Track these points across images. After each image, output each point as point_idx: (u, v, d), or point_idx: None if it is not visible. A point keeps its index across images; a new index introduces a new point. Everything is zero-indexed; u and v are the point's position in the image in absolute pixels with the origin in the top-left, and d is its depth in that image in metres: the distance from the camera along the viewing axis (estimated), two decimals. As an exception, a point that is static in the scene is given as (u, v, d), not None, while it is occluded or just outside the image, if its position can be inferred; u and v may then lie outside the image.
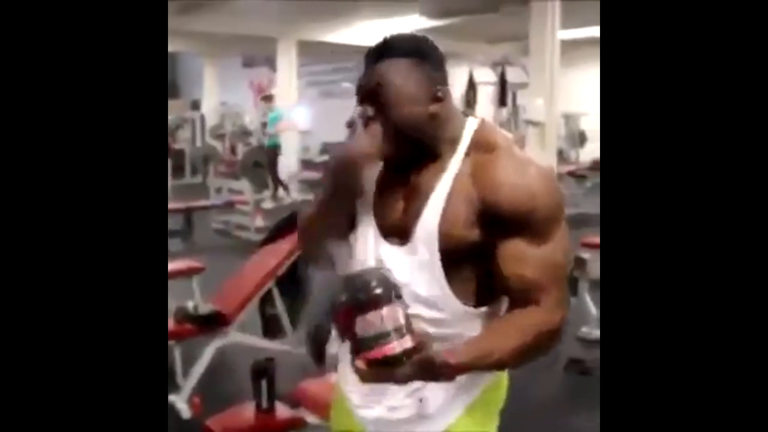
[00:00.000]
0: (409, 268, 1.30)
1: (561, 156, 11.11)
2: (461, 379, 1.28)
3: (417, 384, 1.30)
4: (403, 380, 1.17)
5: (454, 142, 1.33)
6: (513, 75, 11.39)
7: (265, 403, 2.68)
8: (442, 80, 1.33)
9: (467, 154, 1.31)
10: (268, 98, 11.41)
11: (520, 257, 1.26)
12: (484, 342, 1.25)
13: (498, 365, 1.29)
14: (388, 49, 1.30)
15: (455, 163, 1.31)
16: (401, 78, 1.28)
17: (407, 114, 1.28)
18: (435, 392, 1.33)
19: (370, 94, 1.29)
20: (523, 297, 1.27)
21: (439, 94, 1.31)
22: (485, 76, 12.45)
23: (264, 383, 2.68)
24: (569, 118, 12.48)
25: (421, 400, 1.33)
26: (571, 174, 10.26)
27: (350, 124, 1.31)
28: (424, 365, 1.16)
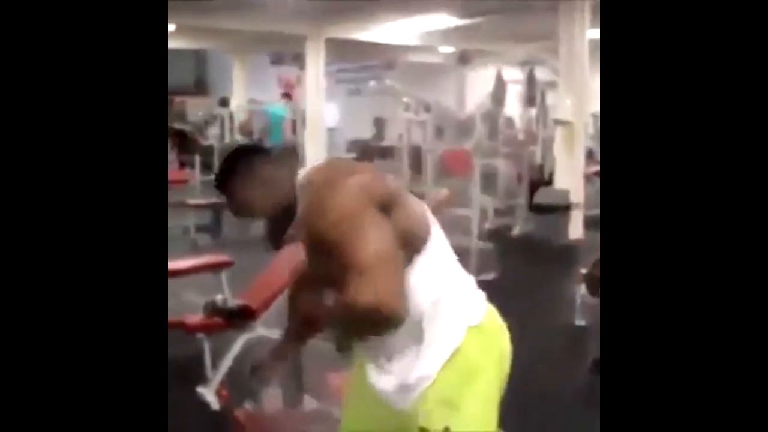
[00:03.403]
0: None
1: (590, 155, 11.03)
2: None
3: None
4: None
5: None
6: (542, 74, 11.32)
7: (292, 396, 2.72)
8: None
9: None
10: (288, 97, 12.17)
11: None
12: None
13: None
14: None
15: None
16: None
17: None
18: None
19: None
20: None
21: None
22: (514, 75, 12.40)
23: (292, 376, 2.72)
24: (597, 118, 12.38)
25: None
26: (597, 175, 10.18)
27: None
28: None
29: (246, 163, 1.59)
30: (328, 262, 1.45)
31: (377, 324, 1.43)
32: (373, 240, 1.40)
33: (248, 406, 3.17)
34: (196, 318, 3.66)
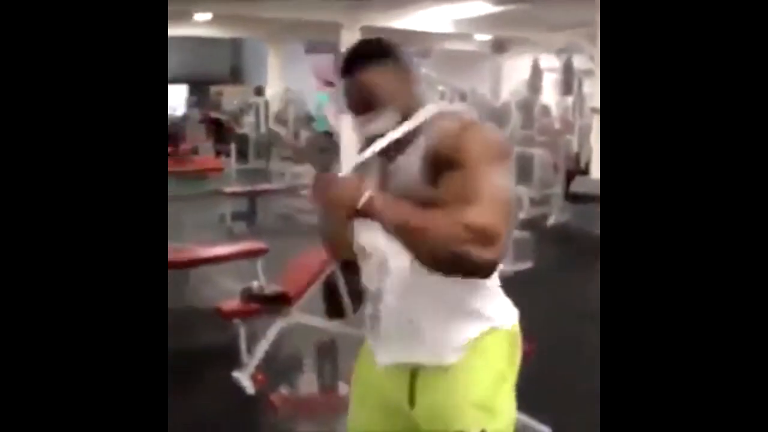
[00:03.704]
0: None
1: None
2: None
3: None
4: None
5: None
6: (579, 62, 11.20)
7: (327, 381, 2.75)
8: None
9: None
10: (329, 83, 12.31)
11: None
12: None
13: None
14: None
15: None
16: None
17: None
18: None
19: None
20: None
21: None
22: (550, 63, 12.27)
23: (327, 362, 2.75)
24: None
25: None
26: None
27: None
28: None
29: (381, 49, 1.57)
30: (438, 192, 1.42)
31: (476, 256, 1.35)
32: (504, 182, 1.43)
33: (284, 390, 3.22)
34: (232, 304, 3.71)
